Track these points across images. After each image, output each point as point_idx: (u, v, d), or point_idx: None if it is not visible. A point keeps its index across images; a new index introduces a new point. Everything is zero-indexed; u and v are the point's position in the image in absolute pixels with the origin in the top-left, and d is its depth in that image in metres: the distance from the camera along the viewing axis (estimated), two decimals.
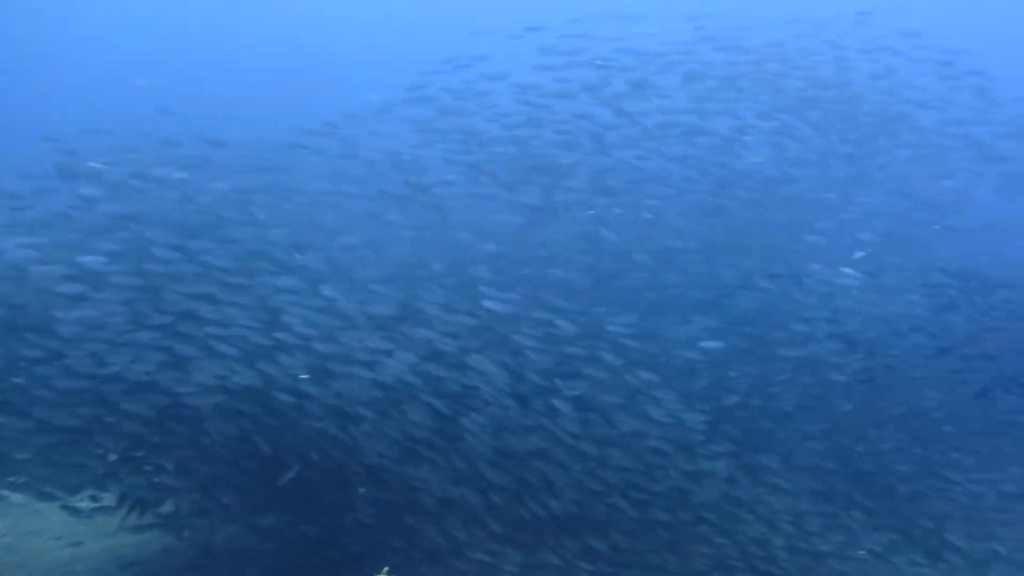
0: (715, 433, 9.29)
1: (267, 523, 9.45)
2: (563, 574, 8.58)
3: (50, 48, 42.89)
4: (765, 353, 10.79)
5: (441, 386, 8.35)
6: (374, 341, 8.15)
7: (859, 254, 12.65)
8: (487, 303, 8.51)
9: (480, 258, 9.84)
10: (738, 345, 10.47)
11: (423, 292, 8.57)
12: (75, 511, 9.22)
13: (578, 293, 9.75)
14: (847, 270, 11.34)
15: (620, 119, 11.99)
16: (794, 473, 9.63)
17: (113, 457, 8.82)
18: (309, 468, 8.79)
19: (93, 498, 9.47)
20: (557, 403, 8.36)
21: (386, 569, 6.48)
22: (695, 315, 10.52)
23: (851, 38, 14.00)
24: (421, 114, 11.82)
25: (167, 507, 9.54)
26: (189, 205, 8.94)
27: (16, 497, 10.26)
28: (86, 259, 8.11)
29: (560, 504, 8.46)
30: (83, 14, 46.69)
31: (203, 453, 8.68)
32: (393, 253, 9.47)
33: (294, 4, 47.13)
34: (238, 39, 44.25)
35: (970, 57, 15.05)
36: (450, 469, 8.45)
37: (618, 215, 11.32)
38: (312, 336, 8.06)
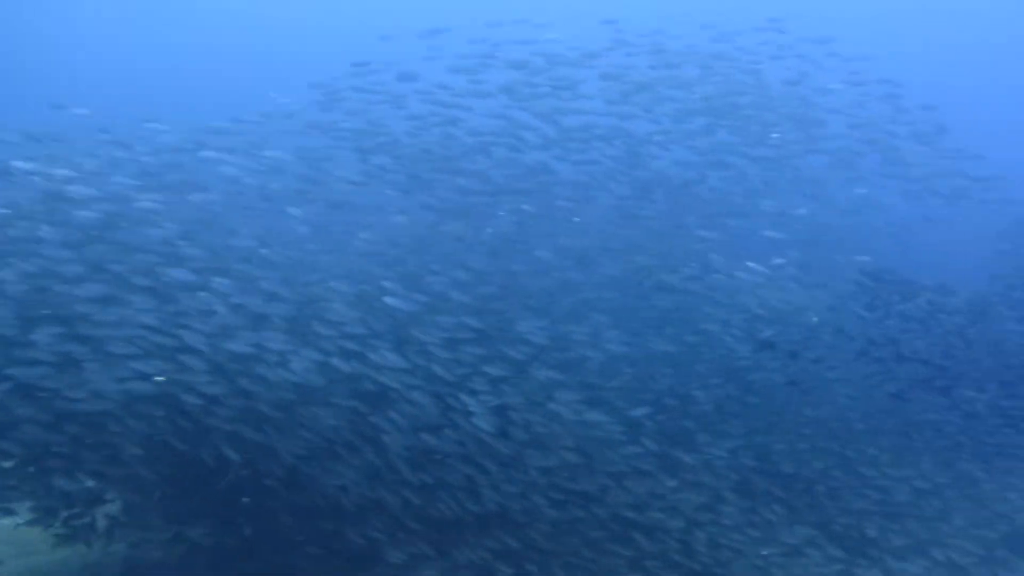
0: (633, 432, 9.46)
1: (189, 533, 9.34)
2: (481, 573, 8.62)
3: None
4: (681, 354, 11.04)
5: (347, 386, 8.34)
6: (275, 341, 8.10)
7: (778, 260, 13.07)
8: (389, 301, 8.55)
9: (385, 257, 9.90)
10: (652, 346, 10.69)
11: (325, 292, 8.58)
12: None
13: (486, 293, 9.85)
14: (761, 268, 11.70)
15: (534, 121, 12.21)
16: (712, 471, 9.86)
17: (24, 469, 8.59)
18: (225, 475, 8.69)
19: (6, 511, 9.20)
20: (469, 402, 8.42)
21: None
22: (610, 315, 10.71)
23: (763, 44, 14.49)
24: (329, 115, 11.86)
25: (85, 520, 9.36)
26: (85, 205, 8.76)
27: None
28: None
29: (478, 504, 8.50)
30: None
31: (114, 462, 8.52)
32: (295, 254, 9.43)
33: (202, 7, 46.51)
34: (141, 39, 43.72)
35: (878, 64, 15.75)
36: (365, 471, 8.42)
37: (529, 215, 11.49)
38: (213, 335, 7.97)
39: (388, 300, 8.51)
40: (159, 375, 7.74)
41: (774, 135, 14.00)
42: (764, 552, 9.35)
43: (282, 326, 8.34)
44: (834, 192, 14.54)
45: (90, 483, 9.13)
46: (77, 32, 43.77)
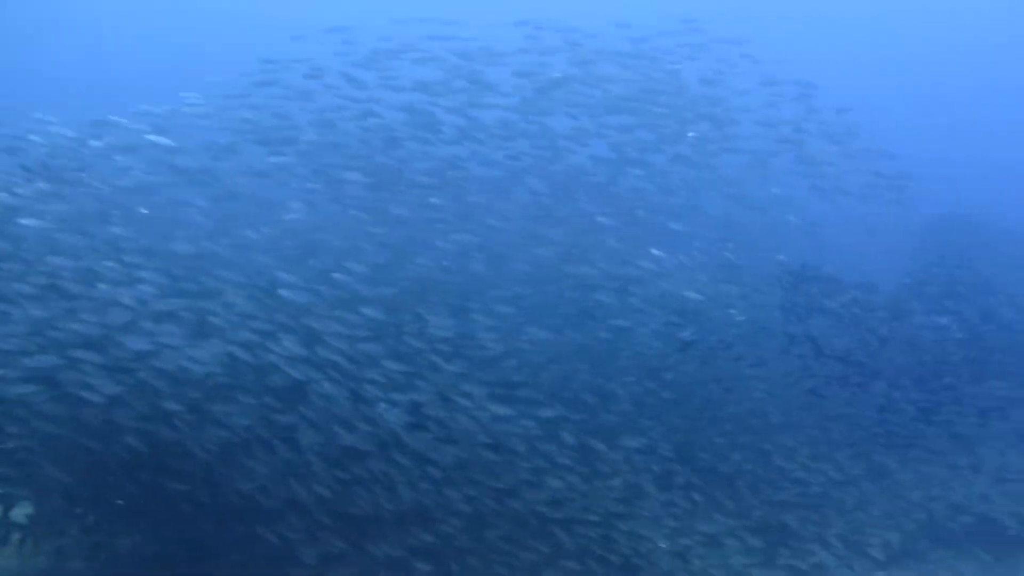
0: (550, 427, 9.58)
1: (104, 540, 9.13)
2: (399, 570, 8.62)
3: None
4: (598, 349, 11.24)
5: (253, 382, 8.29)
6: (174, 336, 8.00)
7: (693, 257, 13.39)
8: (287, 293, 8.53)
9: (289, 251, 9.88)
10: (568, 341, 10.86)
11: (224, 286, 8.52)
12: None
13: (394, 288, 9.89)
14: (676, 265, 11.98)
15: (445, 116, 12.31)
16: (631, 465, 10.04)
17: None
18: (136, 478, 8.54)
19: None
20: (379, 397, 8.44)
21: None
22: (524, 310, 10.85)
23: (679, 45, 14.83)
24: (235, 110, 11.80)
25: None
26: None
27: None
28: None
29: (393, 500, 8.49)
30: None
31: (20, 465, 8.35)
32: (192, 247, 9.33)
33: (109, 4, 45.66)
34: (47, 31, 42.90)
35: (792, 65, 16.29)
36: (278, 469, 8.35)
37: (439, 210, 11.57)
38: (109, 330, 7.85)
39: (285, 293, 8.49)
40: None
41: (690, 134, 14.33)
42: (684, 542, 9.54)
43: (181, 320, 8.24)
44: (750, 191, 14.93)
45: None
46: None
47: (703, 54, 14.96)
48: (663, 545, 9.44)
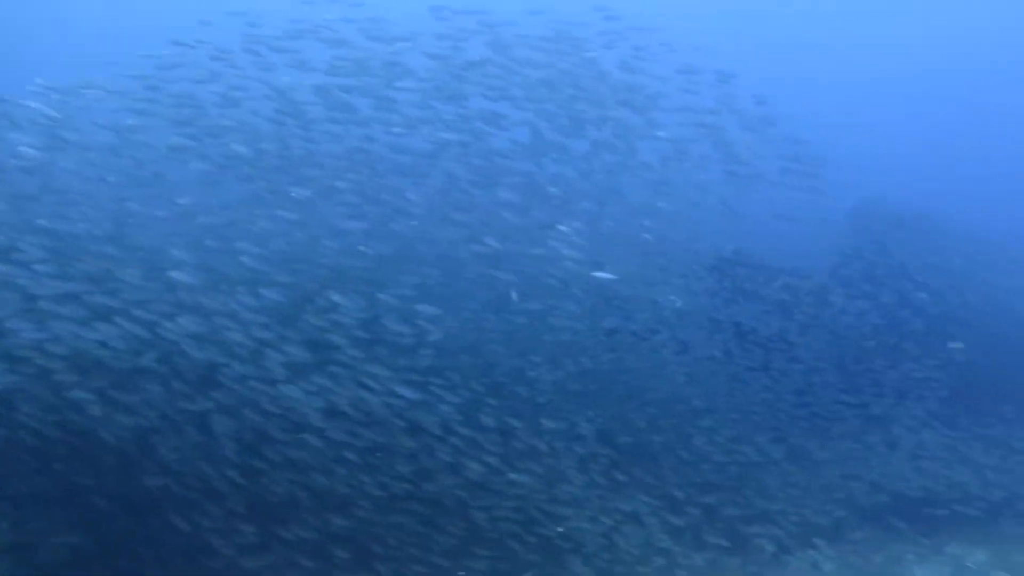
0: (471, 409, 9.60)
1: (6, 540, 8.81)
2: (316, 556, 8.52)
3: None
4: (514, 334, 11.30)
5: (158, 368, 8.14)
6: (69, 321, 7.81)
7: (614, 239, 13.53)
8: (178, 275, 8.39)
9: (192, 233, 9.73)
10: (484, 324, 10.89)
11: (118, 267, 8.35)
12: None
13: (298, 270, 9.81)
14: (594, 246, 12.10)
15: (355, 98, 12.25)
16: (553, 447, 10.11)
17: None
18: (48, 472, 8.29)
19: None
20: (288, 382, 8.36)
21: None
22: (442, 294, 10.86)
23: (596, 33, 15.00)
24: (143, 92, 11.58)
25: None
26: None
27: None
28: None
29: (307, 487, 8.42)
30: None
31: None
32: (90, 228, 9.12)
33: None
34: None
35: (709, 54, 16.61)
36: (188, 458, 8.21)
37: (345, 192, 11.52)
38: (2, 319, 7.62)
39: (177, 275, 8.34)
40: None
41: (608, 121, 14.50)
42: (605, 521, 9.63)
43: (78, 303, 8.04)
44: (668, 176, 15.16)
45: None
46: None
47: (620, 42, 15.16)
48: (586, 526, 9.51)
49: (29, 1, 43.27)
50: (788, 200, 16.59)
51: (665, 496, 10.93)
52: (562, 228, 11.67)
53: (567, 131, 13.96)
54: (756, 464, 12.32)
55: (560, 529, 9.39)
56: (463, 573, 8.68)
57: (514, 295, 11.08)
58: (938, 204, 21.49)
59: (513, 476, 9.44)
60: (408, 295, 10.24)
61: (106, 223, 9.41)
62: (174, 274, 8.34)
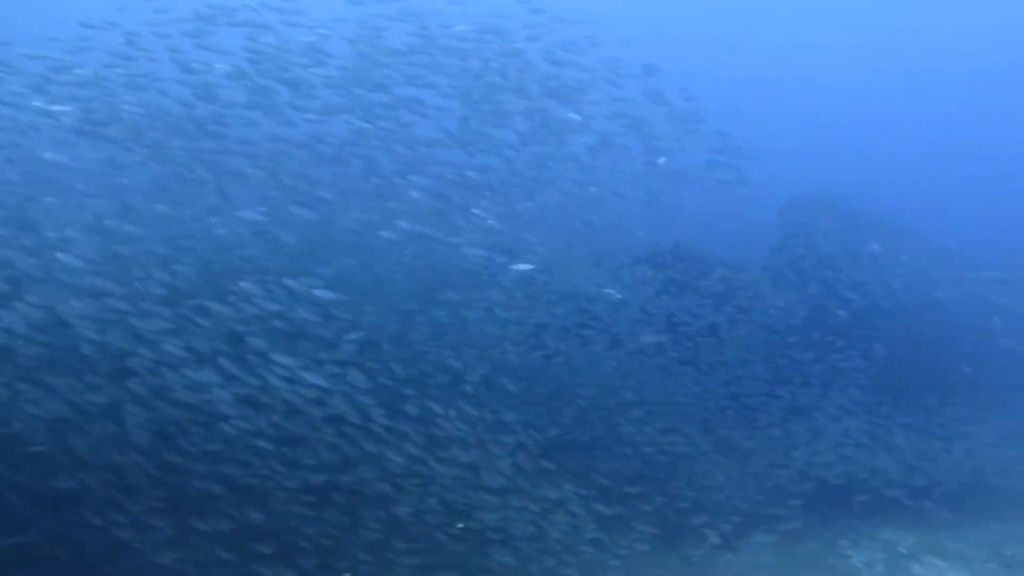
0: (393, 400, 9.52)
1: None
2: (234, 548, 8.35)
3: None
4: (441, 326, 11.26)
5: (55, 358, 7.92)
6: None
7: (539, 231, 13.56)
8: (60, 256, 8.18)
9: (89, 218, 9.49)
10: (406, 315, 10.83)
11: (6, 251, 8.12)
12: None
13: (200, 257, 9.64)
14: (524, 241, 12.12)
15: (270, 84, 12.10)
16: (479, 437, 10.07)
17: None
18: None
19: None
20: (190, 370, 8.19)
21: None
22: (357, 283, 10.76)
23: (520, 25, 15.03)
24: (51, 75, 11.29)
25: None
26: None
27: None
28: None
29: (221, 480, 8.25)
30: None
31: None
32: None
33: None
34: None
35: (635, 48, 16.77)
36: (98, 453, 7.99)
37: (256, 180, 11.37)
38: None
39: (63, 256, 8.11)
40: None
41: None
42: (533, 510, 9.62)
43: None
44: (593, 169, 15.25)
45: None
46: None
47: (546, 35, 15.20)
48: (513, 516, 9.49)
49: None
50: (715, 193, 16.79)
51: (594, 486, 10.97)
52: (477, 211, 11.64)
53: (491, 121, 13.94)
54: (686, 455, 12.44)
55: (484, 519, 9.35)
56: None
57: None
58: (866, 196, 22.01)
59: (437, 467, 9.38)
60: (320, 282, 10.11)
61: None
62: (60, 256, 8.11)
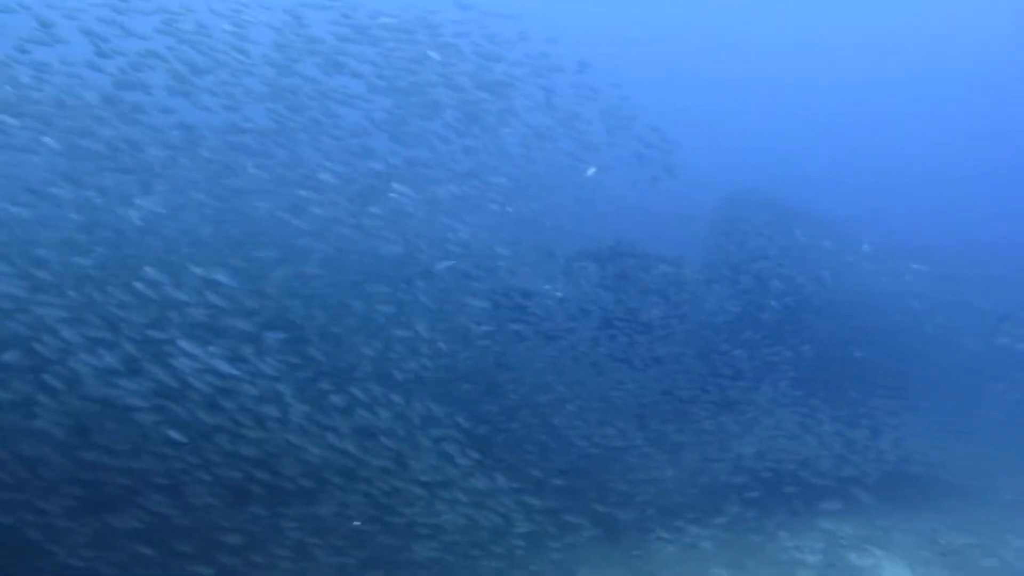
0: (318, 392, 9.37)
1: None
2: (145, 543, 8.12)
3: None
4: (371, 320, 11.12)
5: None
6: None
7: (472, 226, 13.49)
8: None
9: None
10: (333, 307, 10.69)
11: None
12: None
13: (105, 243, 9.41)
14: (445, 238, 12.04)
15: (179, 67, 11.87)
16: (409, 429, 9.95)
17: None
18: None
19: None
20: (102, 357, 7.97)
21: None
22: (279, 274, 10.60)
23: (448, 20, 14.98)
24: None
25: None
26: None
27: None
28: None
29: (136, 473, 8.03)
30: None
31: None
32: None
33: None
34: None
35: (565, 44, 16.82)
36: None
37: (168, 168, 11.15)
38: None
39: None
40: None
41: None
42: (463, 500, 9.54)
43: None
44: (522, 163, 15.27)
45: None
46: None
47: (475, 30, 15.19)
48: (442, 508, 9.39)
49: None
50: (645, 187, 16.92)
51: (527, 479, 10.92)
52: (394, 195, 11.54)
53: (421, 115, 13.87)
54: (620, 448, 12.46)
55: (411, 513, 9.24)
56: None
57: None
58: (799, 192, 22.41)
59: (364, 459, 9.24)
60: (228, 271, 9.91)
61: None
62: None
